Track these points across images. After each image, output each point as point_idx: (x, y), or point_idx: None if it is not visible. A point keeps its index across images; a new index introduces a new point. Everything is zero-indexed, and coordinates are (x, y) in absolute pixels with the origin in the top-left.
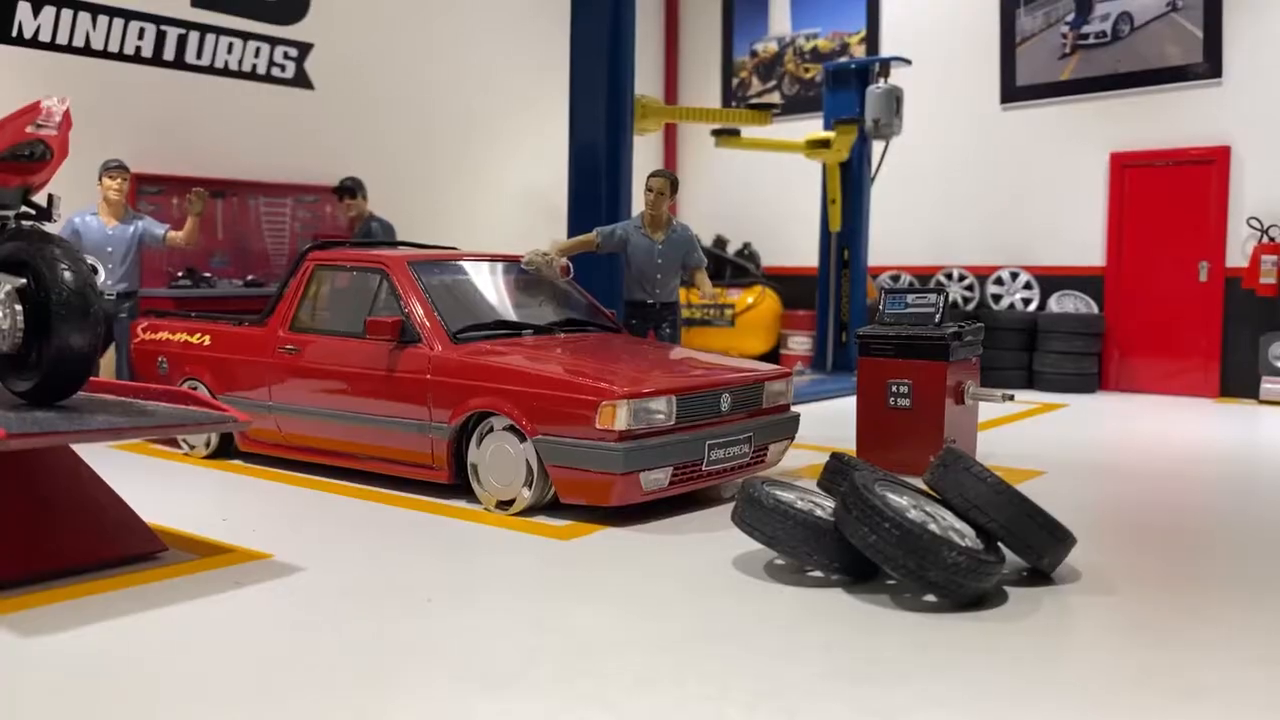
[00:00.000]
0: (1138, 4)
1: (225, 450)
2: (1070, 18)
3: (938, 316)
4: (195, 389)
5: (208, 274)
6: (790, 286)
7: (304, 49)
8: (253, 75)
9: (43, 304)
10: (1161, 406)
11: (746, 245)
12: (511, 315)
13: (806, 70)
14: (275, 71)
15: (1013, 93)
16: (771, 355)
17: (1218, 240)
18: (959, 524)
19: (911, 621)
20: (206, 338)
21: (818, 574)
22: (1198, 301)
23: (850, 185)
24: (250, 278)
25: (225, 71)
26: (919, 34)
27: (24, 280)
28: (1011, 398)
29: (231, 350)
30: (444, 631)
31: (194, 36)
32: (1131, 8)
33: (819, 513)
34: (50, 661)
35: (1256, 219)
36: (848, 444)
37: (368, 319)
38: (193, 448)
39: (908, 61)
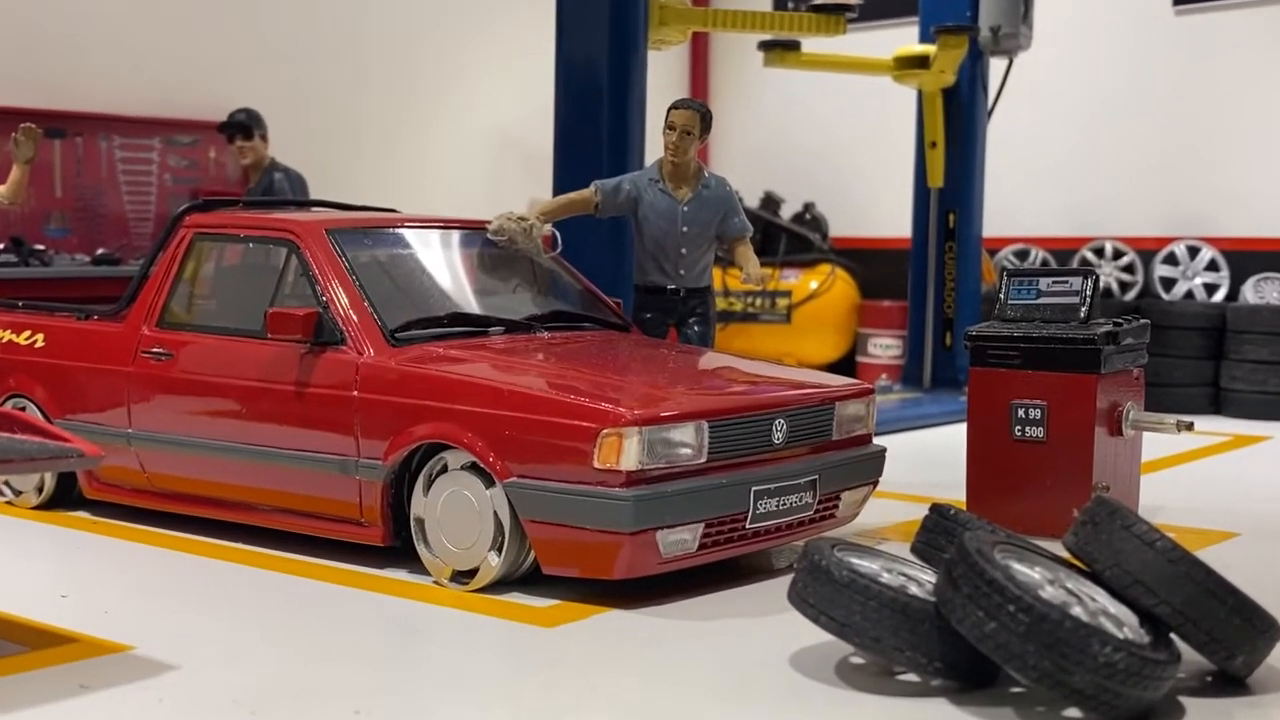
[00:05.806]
0: None
1: (64, 498)
2: None
3: (1084, 310)
4: (23, 410)
5: (40, 246)
6: (871, 266)
7: None
8: None
9: None
10: None
11: (808, 207)
12: (474, 306)
13: None
14: None
15: None
16: (845, 364)
17: None
18: (1114, 607)
19: None
20: (39, 337)
21: (912, 677)
22: None
23: (958, 122)
24: (101, 252)
25: None
26: None
27: None
28: (1190, 426)
29: (75, 355)
30: None
31: None
32: None
33: (913, 589)
34: None
35: None
36: (954, 492)
37: (269, 311)
38: (18, 494)
39: None
